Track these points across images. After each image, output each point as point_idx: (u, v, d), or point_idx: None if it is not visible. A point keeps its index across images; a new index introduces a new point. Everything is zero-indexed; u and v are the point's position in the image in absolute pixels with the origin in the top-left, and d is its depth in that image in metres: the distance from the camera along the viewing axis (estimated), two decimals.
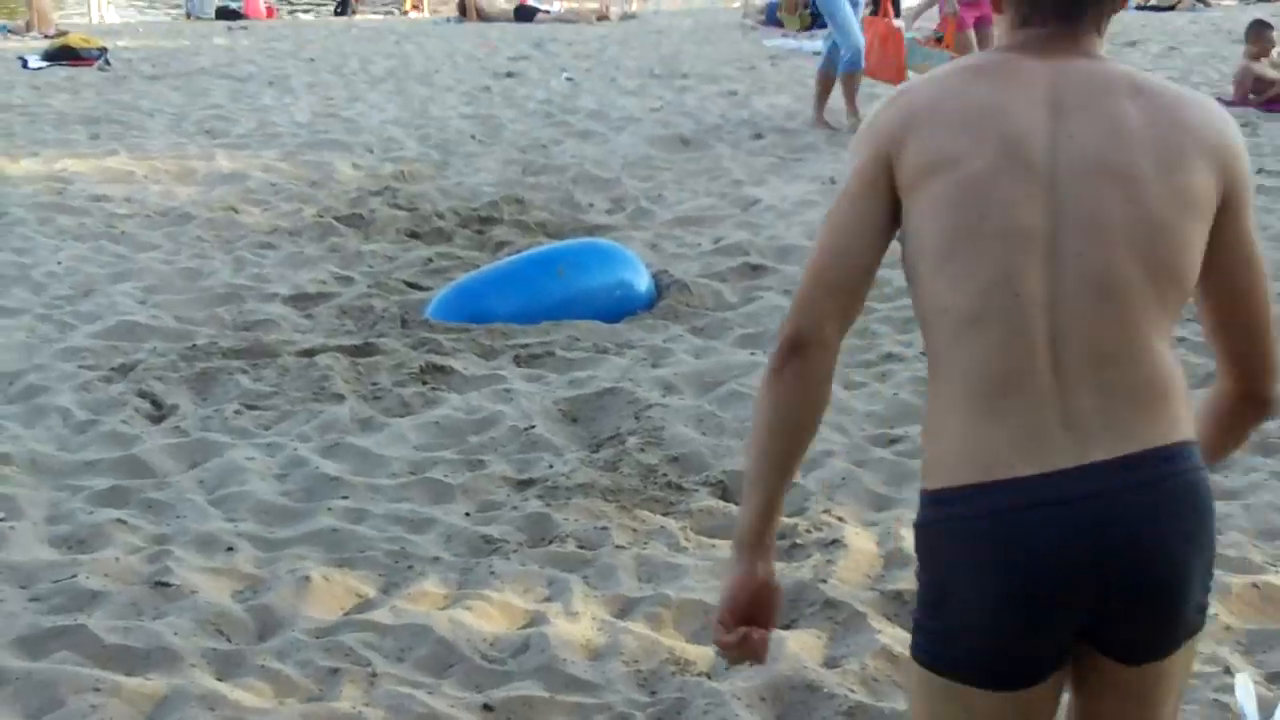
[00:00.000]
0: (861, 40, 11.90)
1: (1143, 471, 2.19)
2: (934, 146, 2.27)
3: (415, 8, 32.26)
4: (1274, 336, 2.39)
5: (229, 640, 4.12)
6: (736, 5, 30.08)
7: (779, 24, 22.84)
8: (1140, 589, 2.21)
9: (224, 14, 28.93)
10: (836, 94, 12.15)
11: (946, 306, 2.25)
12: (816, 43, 19.78)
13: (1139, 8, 27.12)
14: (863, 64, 11.97)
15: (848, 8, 11.87)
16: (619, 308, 7.20)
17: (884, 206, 2.31)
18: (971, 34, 11.73)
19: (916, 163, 2.27)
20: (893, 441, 5.56)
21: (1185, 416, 2.26)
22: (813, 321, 2.30)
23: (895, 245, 2.36)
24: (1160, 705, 2.34)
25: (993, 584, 2.21)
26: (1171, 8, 26.35)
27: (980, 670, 2.26)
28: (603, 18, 26.25)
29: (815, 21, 16.23)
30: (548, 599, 4.33)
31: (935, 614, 2.29)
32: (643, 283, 7.43)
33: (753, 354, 6.49)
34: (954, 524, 2.24)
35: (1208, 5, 27.08)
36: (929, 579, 2.30)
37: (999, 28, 2.47)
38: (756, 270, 7.91)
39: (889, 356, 6.44)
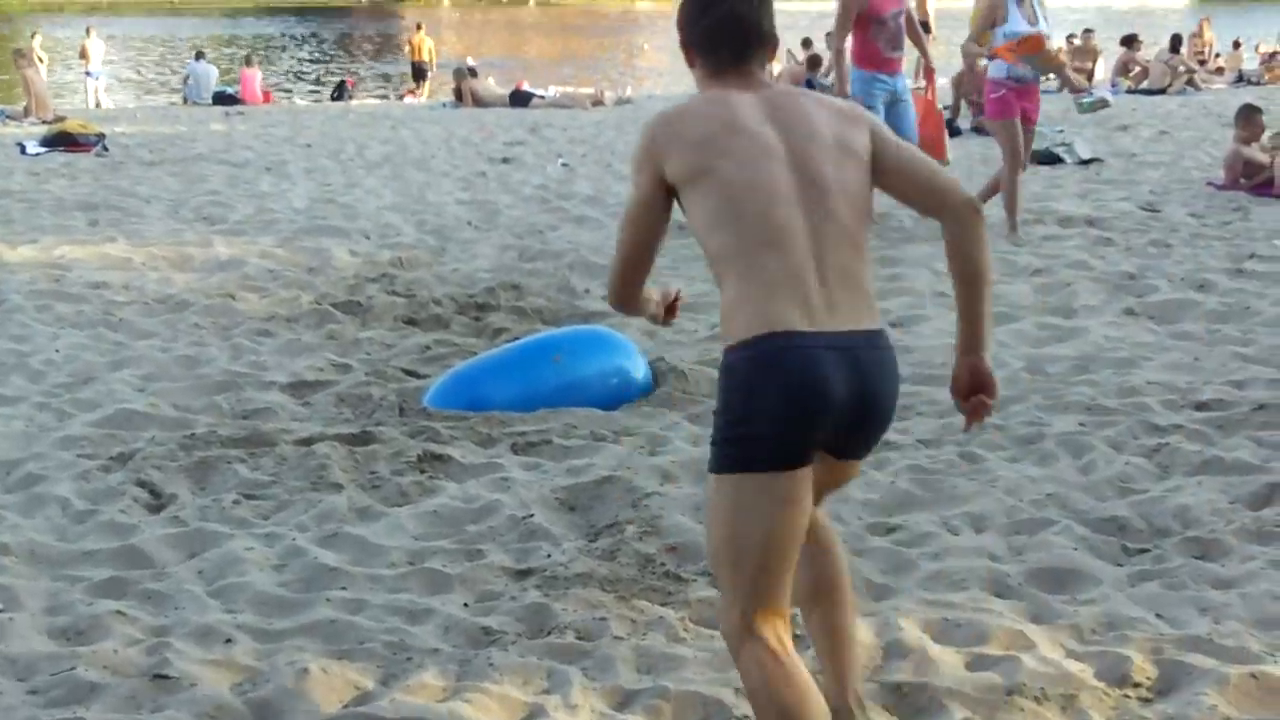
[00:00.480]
0: None
1: (871, 339, 3.48)
2: (706, 150, 3.51)
3: (411, 93, 32.53)
4: (938, 171, 3.71)
5: None
6: None
7: None
8: (868, 410, 3.46)
9: (221, 99, 29.17)
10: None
11: (741, 241, 3.45)
12: None
13: (1130, 91, 27.33)
14: None
15: (880, 108, 11.38)
16: (616, 395, 7.22)
17: (665, 199, 3.58)
18: (1018, 123, 10.99)
19: (692, 163, 3.51)
20: (890, 530, 5.58)
21: (878, 311, 3.57)
22: (631, 291, 3.76)
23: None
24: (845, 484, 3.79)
25: (783, 395, 3.36)
26: (1162, 91, 26.57)
27: (772, 456, 3.38)
28: (598, 103, 26.47)
29: None
30: (546, 691, 4.32)
31: (738, 426, 3.41)
32: (639, 370, 7.45)
33: None
34: (757, 357, 3.39)
35: (1198, 89, 27.30)
36: (733, 402, 3.43)
37: (697, 78, 3.75)
38: None
39: (886, 444, 6.45)
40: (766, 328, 3.38)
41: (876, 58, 11.32)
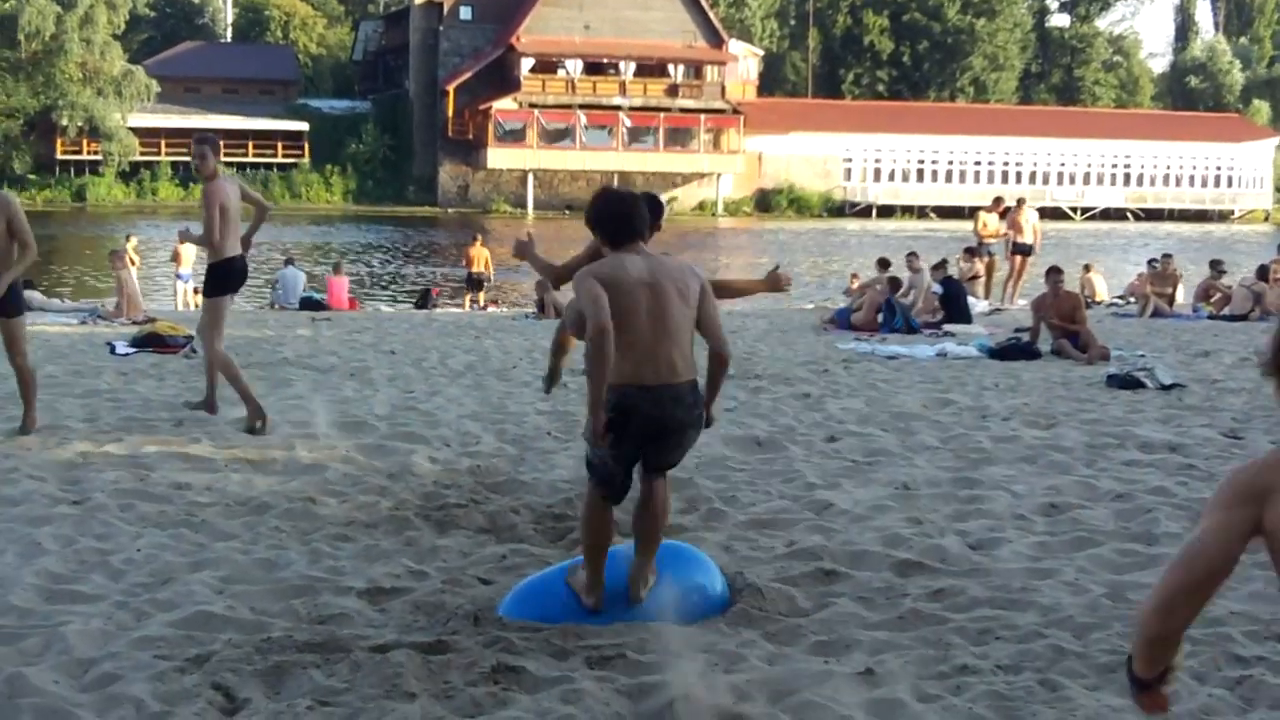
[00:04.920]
0: None
1: (689, 389, 6.59)
2: (620, 283, 6.49)
3: (494, 304, 33.06)
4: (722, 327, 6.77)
5: None
6: (810, 306, 30.54)
7: (850, 326, 23.16)
8: (677, 435, 6.76)
9: (308, 304, 29.64)
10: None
11: (625, 330, 6.40)
12: (890, 346, 20.01)
13: (1212, 317, 27.31)
14: None
15: None
16: (692, 611, 7.18)
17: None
18: None
19: (612, 289, 6.45)
20: None
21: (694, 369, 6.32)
22: (608, 323, 6.32)
23: None
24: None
25: (636, 424, 6.49)
26: (1244, 317, 26.51)
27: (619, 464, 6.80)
28: None
29: None
30: None
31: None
32: (716, 585, 7.43)
33: (826, 662, 6.45)
34: (627, 397, 6.42)
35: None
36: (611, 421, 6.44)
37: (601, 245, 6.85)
38: (830, 575, 7.90)
39: (964, 669, 6.39)
40: (635, 380, 6.55)
41: None
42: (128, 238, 33.06)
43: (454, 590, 7.58)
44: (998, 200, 32.30)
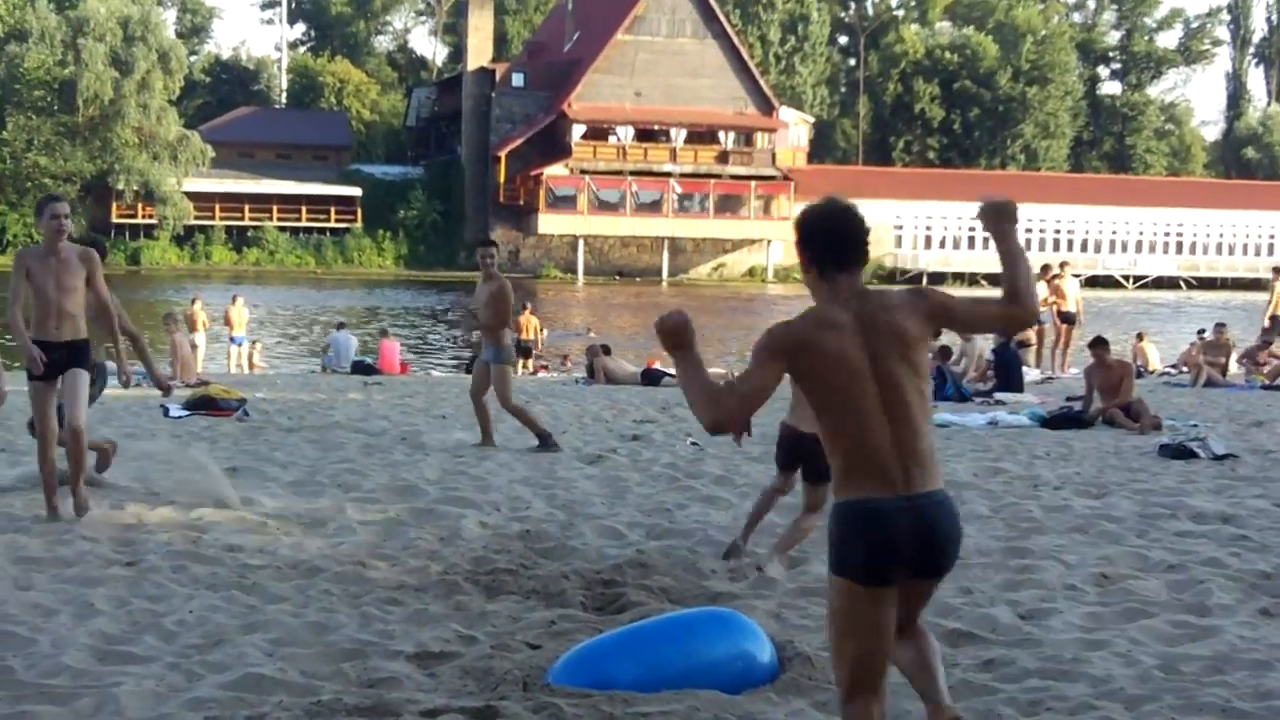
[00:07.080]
0: None
1: (937, 498, 4.99)
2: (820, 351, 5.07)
3: (544, 369, 33.17)
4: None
5: None
6: None
7: None
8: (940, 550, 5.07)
9: (359, 369, 29.80)
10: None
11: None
12: (941, 414, 19.94)
13: (1265, 387, 27.14)
14: None
15: None
16: (741, 679, 7.16)
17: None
18: None
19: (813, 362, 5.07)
20: None
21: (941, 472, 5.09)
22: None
23: None
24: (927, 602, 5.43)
25: (871, 540, 4.94)
26: None
27: (866, 576, 4.97)
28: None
29: None
30: None
31: (847, 552, 4.97)
32: (765, 654, 7.40)
33: None
34: (857, 512, 4.95)
35: None
36: (845, 535, 4.98)
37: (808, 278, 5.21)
38: None
39: None
40: (863, 494, 4.99)
41: None
42: (193, 301, 33.38)
43: (503, 655, 7.58)
44: (1045, 268, 32.22)
